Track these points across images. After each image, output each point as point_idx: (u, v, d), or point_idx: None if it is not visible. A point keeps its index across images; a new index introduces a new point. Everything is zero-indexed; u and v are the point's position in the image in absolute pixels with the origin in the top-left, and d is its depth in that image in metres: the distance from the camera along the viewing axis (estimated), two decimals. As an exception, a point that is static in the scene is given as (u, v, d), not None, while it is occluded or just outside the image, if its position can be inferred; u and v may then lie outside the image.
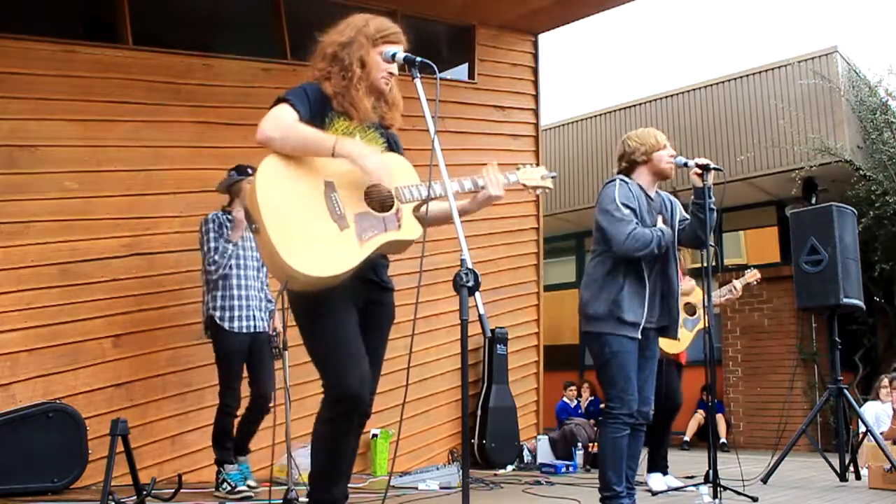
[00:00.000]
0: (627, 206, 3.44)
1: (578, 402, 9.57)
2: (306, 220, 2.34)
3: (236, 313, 4.47)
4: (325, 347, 2.45)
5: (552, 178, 2.93)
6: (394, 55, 2.53)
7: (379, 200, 2.51)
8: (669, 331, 3.61)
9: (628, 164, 3.67)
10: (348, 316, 2.47)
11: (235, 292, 4.50)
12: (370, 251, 2.43)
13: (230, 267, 4.50)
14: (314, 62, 2.60)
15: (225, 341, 4.47)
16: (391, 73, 2.57)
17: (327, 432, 2.45)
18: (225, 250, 4.43)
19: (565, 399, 9.56)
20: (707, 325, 4.12)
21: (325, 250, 2.33)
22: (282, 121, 2.37)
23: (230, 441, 4.46)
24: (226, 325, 4.45)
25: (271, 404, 4.49)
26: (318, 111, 2.48)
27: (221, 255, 4.44)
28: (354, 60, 2.51)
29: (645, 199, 3.59)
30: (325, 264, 2.32)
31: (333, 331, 2.44)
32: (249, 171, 4.46)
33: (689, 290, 5.37)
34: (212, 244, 4.47)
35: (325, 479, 2.48)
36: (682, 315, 5.32)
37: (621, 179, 3.58)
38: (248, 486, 4.39)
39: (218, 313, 4.47)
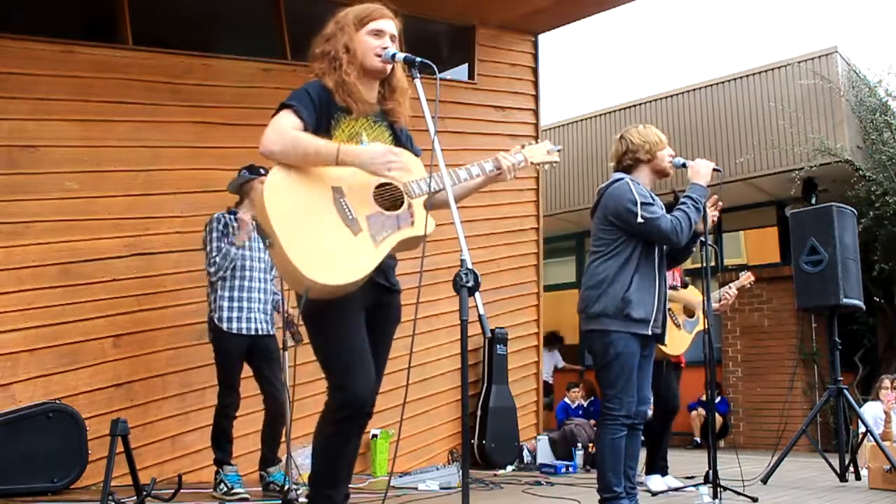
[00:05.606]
0: (648, 203, 3.42)
1: (579, 403, 9.57)
2: (319, 230, 2.33)
3: (235, 314, 4.43)
4: (334, 352, 2.44)
5: (557, 150, 2.93)
6: (394, 55, 2.51)
7: (389, 198, 2.50)
8: (660, 336, 3.59)
9: (631, 162, 3.63)
10: (358, 321, 2.46)
11: (237, 294, 4.46)
12: (386, 251, 2.43)
13: (233, 268, 4.47)
14: (310, 66, 2.60)
15: (222, 342, 4.44)
16: (385, 48, 2.53)
17: (329, 435, 2.44)
18: (227, 253, 4.40)
19: (566, 400, 9.56)
20: (706, 325, 4.12)
21: (342, 257, 2.33)
22: (283, 134, 2.36)
23: (228, 442, 4.43)
24: (224, 325, 4.42)
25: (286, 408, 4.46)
26: (323, 112, 2.46)
27: (223, 258, 4.40)
28: (339, 48, 2.52)
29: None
30: (344, 272, 2.31)
31: (343, 336, 2.42)
32: (262, 171, 4.43)
33: (688, 298, 5.38)
34: (214, 244, 4.44)
35: (326, 481, 2.47)
36: (682, 317, 5.33)
37: (630, 178, 3.54)
38: (285, 489, 4.30)
39: (217, 314, 4.45)
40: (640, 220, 3.37)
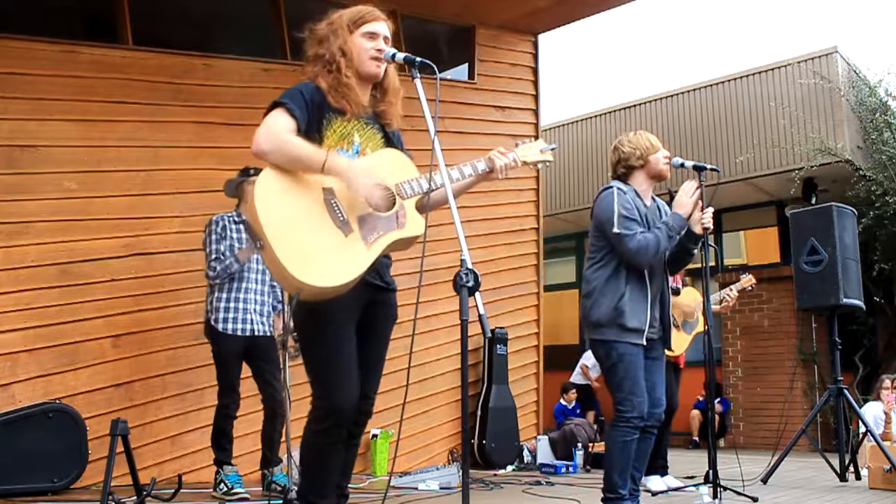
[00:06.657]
0: (628, 217, 3.42)
1: (578, 404, 9.57)
2: (310, 231, 2.31)
3: (231, 315, 4.43)
4: (321, 361, 2.44)
5: (552, 150, 2.90)
6: (393, 55, 2.51)
7: (381, 199, 2.49)
8: (665, 340, 3.59)
9: (625, 170, 3.65)
10: (348, 328, 2.45)
11: (233, 295, 4.46)
12: (377, 253, 2.42)
13: None
14: (304, 69, 2.58)
15: (219, 343, 4.45)
16: (380, 50, 2.52)
17: (313, 444, 2.45)
18: (229, 266, 4.38)
19: (562, 401, 9.56)
20: (706, 325, 4.12)
21: (332, 259, 2.31)
22: (275, 134, 2.33)
23: (228, 442, 4.43)
24: (219, 326, 4.43)
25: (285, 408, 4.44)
26: (315, 112, 2.44)
27: (224, 270, 4.38)
28: (335, 51, 2.49)
29: (642, 205, 3.58)
30: (334, 274, 2.29)
31: (331, 345, 2.42)
32: (252, 171, 4.44)
33: (690, 304, 5.37)
34: (213, 246, 4.44)
35: (313, 485, 2.47)
36: (680, 318, 5.33)
37: (618, 188, 3.54)
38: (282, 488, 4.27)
39: (213, 315, 4.45)
40: (615, 230, 3.40)
